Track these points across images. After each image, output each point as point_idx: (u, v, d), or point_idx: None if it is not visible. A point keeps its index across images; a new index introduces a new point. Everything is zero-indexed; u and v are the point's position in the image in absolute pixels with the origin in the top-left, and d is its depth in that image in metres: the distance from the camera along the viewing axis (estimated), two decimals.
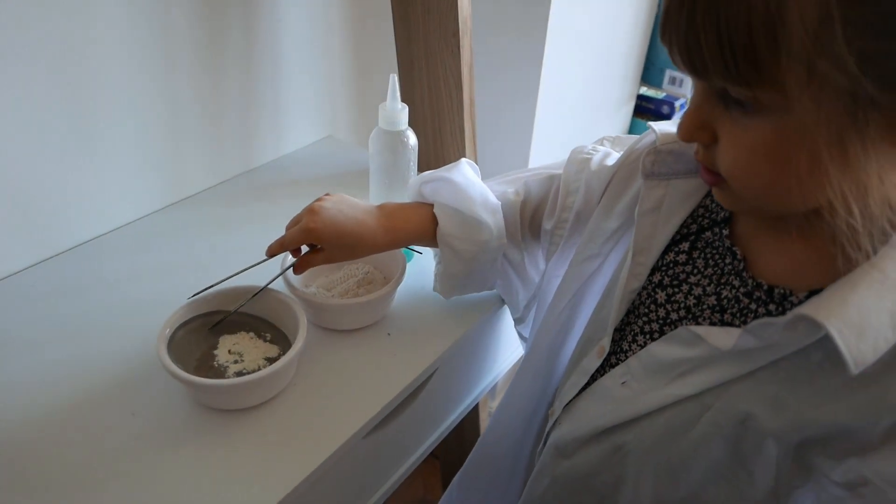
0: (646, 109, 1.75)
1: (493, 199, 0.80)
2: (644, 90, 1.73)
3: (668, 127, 0.62)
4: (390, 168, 0.92)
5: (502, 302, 0.91)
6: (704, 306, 0.59)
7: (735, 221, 0.59)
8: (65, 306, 0.85)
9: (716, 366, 0.54)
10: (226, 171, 1.12)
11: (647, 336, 0.63)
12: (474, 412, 1.26)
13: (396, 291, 0.85)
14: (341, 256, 0.78)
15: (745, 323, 0.55)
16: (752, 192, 0.49)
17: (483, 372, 1.03)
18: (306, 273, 0.81)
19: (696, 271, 0.60)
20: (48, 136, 0.85)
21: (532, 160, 1.38)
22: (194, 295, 0.76)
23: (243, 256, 0.80)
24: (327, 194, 0.78)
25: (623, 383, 0.62)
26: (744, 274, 0.56)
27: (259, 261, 0.78)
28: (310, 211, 0.75)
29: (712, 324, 0.58)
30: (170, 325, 0.74)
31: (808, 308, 0.46)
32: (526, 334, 0.91)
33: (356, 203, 0.78)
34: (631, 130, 1.78)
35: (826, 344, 0.45)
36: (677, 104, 1.70)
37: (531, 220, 0.82)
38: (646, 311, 0.63)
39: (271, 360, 0.74)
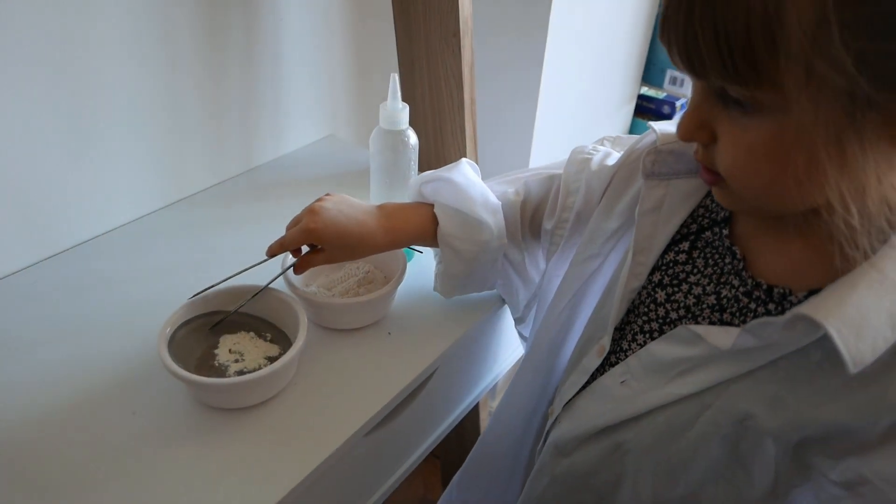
0: (646, 109, 1.75)
1: (493, 199, 0.80)
2: (645, 90, 1.73)
3: (669, 127, 0.62)
4: (391, 168, 0.92)
5: (502, 302, 0.91)
6: (704, 306, 0.59)
7: (735, 221, 0.59)
8: (65, 306, 0.85)
9: (715, 365, 0.54)
10: (226, 170, 1.12)
11: (647, 335, 0.63)
12: (474, 412, 1.26)
13: (397, 291, 0.85)
14: (342, 257, 0.79)
15: (744, 322, 0.55)
16: (751, 192, 0.49)
17: (483, 371, 1.03)
18: (307, 272, 0.81)
19: (695, 271, 0.60)
20: (48, 136, 0.85)
21: (532, 160, 1.38)
22: (195, 295, 0.76)
23: (243, 256, 0.80)
24: (328, 194, 0.78)
25: (623, 382, 0.62)
26: (743, 273, 0.56)
27: (259, 261, 0.78)
28: (310, 211, 0.75)
29: (712, 323, 0.58)
30: (170, 325, 0.74)
31: (807, 308, 0.46)
32: (526, 334, 0.91)
33: (356, 203, 0.78)
34: (632, 130, 1.78)
35: (825, 343, 0.45)
36: (678, 104, 1.70)
37: (531, 220, 0.82)
38: (646, 310, 0.63)
39: (272, 360, 0.74)
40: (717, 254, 0.59)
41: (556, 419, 0.70)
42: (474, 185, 0.80)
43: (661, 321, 0.62)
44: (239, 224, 1.01)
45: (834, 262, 0.46)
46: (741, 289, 0.56)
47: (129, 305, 0.85)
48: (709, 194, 0.61)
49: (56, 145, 0.87)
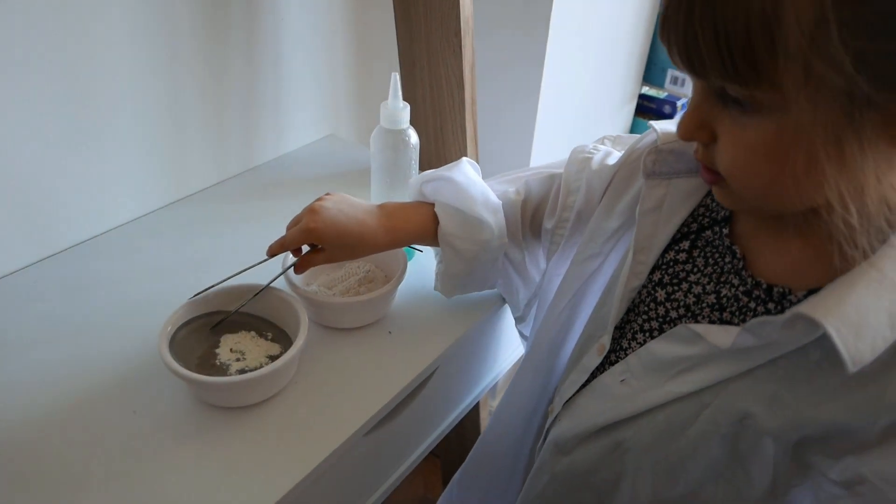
0: (647, 109, 1.74)
1: (494, 198, 0.80)
2: (646, 90, 1.73)
3: (669, 126, 0.62)
4: (391, 167, 0.92)
5: (503, 301, 0.91)
6: (704, 305, 0.59)
7: (735, 220, 0.59)
8: (65, 305, 0.85)
9: (714, 364, 0.54)
10: (227, 169, 1.12)
11: (647, 334, 0.63)
12: (475, 411, 1.26)
13: (397, 290, 0.85)
14: (342, 256, 0.79)
15: (744, 321, 0.55)
16: (750, 191, 0.49)
17: (484, 371, 1.03)
18: (307, 271, 0.81)
19: (696, 270, 0.61)
20: (49, 135, 0.86)
21: (533, 159, 1.38)
22: (195, 295, 0.77)
23: (244, 255, 0.80)
24: (328, 194, 0.78)
25: (622, 381, 0.62)
26: (743, 273, 0.56)
27: (260, 260, 0.78)
28: (310, 211, 0.75)
29: (711, 322, 0.58)
30: (171, 324, 0.74)
31: (807, 307, 0.46)
32: (526, 333, 0.91)
33: (357, 202, 0.78)
34: (632, 130, 1.78)
35: (824, 343, 0.46)
36: (679, 104, 1.70)
37: (532, 219, 0.82)
38: (646, 309, 0.63)
39: (273, 359, 0.74)
40: (717, 253, 0.59)
41: (556, 417, 0.70)
42: (475, 184, 0.80)
43: (661, 320, 0.62)
44: (239, 223, 1.01)
45: (833, 261, 0.47)
46: (741, 288, 0.56)
47: (129, 305, 0.85)
48: (709, 194, 0.61)
49: (56, 145, 0.87)
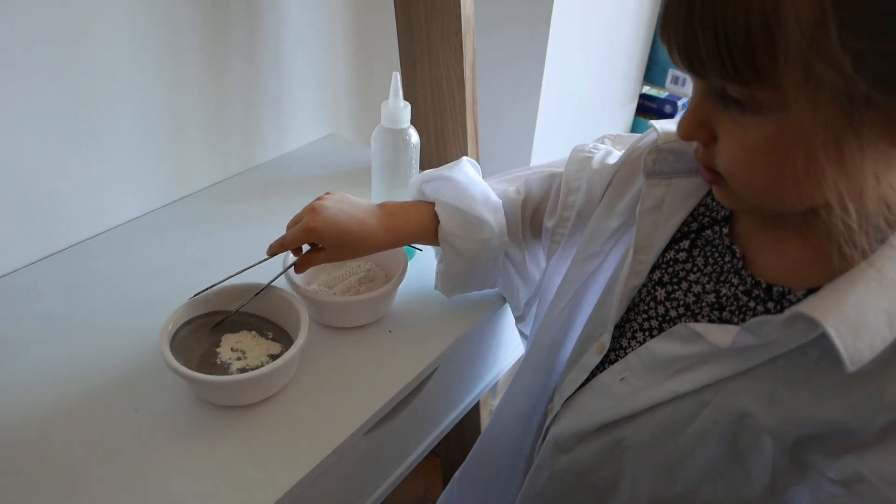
0: (648, 108, 1.74)
1: (494, 197, 0.80)
2: (647, 89, 1.73)
3: (670, 126, 0.62)
4: (392, 166, 0.92)
5: (503, 300, 0.91)
6: (703, 304, 0.59)
7: (735, 220, 0.59)
8: (65, 305, 0.85)
9: (714, 363, 0.54)
10: (227, 168, 1.12)
11: (647, 333, 0.63)
12: (475, 410, 1.26)
13: (398, 289, 0.85)
14: (342, 255, 0.79)
15: (743, 321, 0.55)
16: (750, 191, 0.49)
17: (484, 370, 1.03)
18: (308, 271, 0.81)
19: (695, 269, 0.61)
20: (49, 134, 0.86)
21: (534, 159, 1.38)
22: (196, 294, 0.77)
23: (244, 254, 0.80)
24: (328, 193, 0.78)
25: (622, 379, 0.62)
26: (743, 272, 0.56)
27: (260, 260, 0.78)
28: (310, 210, 0.75)
29: (711, 321, 0.58)
30: (172, 323, 0.74)
31: (806, 306, 0.46)
32: (527, 332, 0.91)
33: (357, 202, 0.78)
34: (633, 129, 1.78)
35: (823, 342, 0.46)
36: (680, 103, 1.70)
37: (532, 218, 0.82)
38: (645, 308, 0.63)
39: (274, 358, 0.74)
40: (716, 252, 0.59)
41: (555, 416, 0.70)
42: (475, 183, 0.80)
43: (660, 319, 0.62)
44: (240, 222, 1.02)
45: (832, 261, 0.47)
46: (740, 287, 0.56)
47: (130, 305, 0.85)
48: (709, 193, 0.61)
49: (56, 145, 0.87)
